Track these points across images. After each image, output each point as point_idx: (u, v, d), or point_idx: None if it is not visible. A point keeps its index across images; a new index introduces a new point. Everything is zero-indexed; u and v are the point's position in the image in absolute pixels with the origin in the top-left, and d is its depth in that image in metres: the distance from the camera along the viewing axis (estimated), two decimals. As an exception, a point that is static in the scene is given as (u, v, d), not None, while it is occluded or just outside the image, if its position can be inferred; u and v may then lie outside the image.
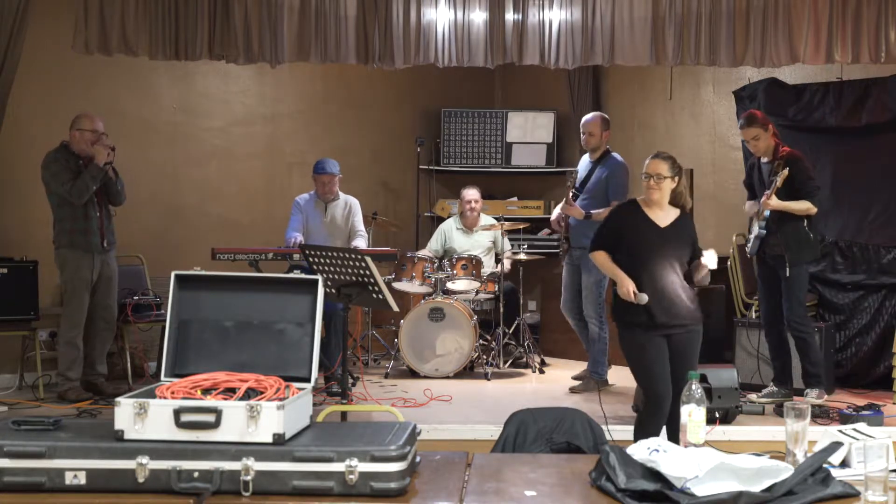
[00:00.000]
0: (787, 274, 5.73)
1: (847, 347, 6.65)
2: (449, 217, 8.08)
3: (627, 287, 4.48)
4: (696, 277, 4.68)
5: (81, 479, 2.33)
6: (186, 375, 2.62)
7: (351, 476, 2.30)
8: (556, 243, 6.94)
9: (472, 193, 7.69)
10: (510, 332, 7.39)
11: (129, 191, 6.25)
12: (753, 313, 6.85)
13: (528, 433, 3.43)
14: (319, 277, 2.84)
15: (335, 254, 4.91)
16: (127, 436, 2.38)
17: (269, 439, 2.37)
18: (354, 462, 2.31)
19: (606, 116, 6.64)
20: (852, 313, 6.67)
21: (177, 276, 2.81)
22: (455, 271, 7.10)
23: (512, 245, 7.61)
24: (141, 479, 2.31)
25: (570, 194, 6.43)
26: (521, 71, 7.69)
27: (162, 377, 2.76)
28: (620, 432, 4.78)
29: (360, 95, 8.51)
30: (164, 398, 2.45)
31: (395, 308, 4.99)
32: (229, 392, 2.51)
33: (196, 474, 2.31)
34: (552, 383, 6.86)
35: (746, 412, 5.58)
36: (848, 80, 6.81)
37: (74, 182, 5.89)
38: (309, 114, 8.32)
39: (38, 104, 6.72)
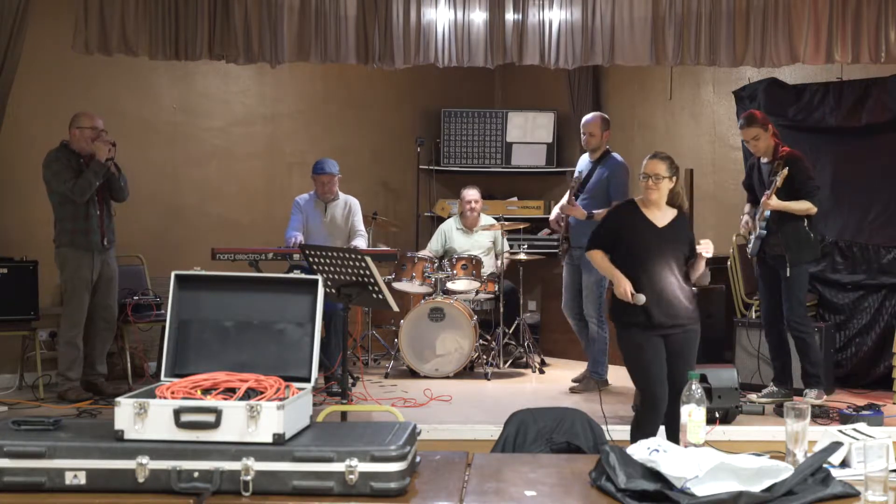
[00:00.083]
0: (788, 274, 5.73)
1: (847, 347, 6.65)
2: (449, 217, 8.08)
3: (625, 287, 4.48)
4: (694, 275, 4.68)
5: (81, 479, 2.33)
6: (186, 375, 2.62)
7: (351, 476, 2.30)
8: (555, 243, 6.94)
9: (472, 193, 7.69)
10: (510, 332, 7.38)
11: (130, 191, 6.24)
12: (753, 313, 6.85)
13: (528, 433, 3.43)
14: (319, 277, 2.84)
15: (335, 254, 4.91)
16: (127, 436, 2.38)
17: (269, 439, 2.37)
18: (354, 462, 2.31)
19: (606, 116, 6.64)
20: (852, 313, 6.66)
21: (177, 276, 2.81)
22: (455, 271, 7.10)
23: (510, 245, 7.61)
24: (141, 479, 2.31)
25: (572, 194, 6.43)
26: (521, 71, 7.69)
27: (162, 377, 2.76)
28: (620, 432, 4.78)
29: (360, 95, 8.51)
30: (164, 398, 2.45)
31: (395, 308, 4.99)
32: (229, 392, 2.51)
33: (196, 474, 2.31)
34: (552, 383, 6.86)
35: (746, 412, 5.58)
36: (848, 80, 6.81)
37: (77, 180, 5.89)
38: (309, 114, 8.32)
39: (38, 104, 6.72)
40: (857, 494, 2.35)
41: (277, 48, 6.20)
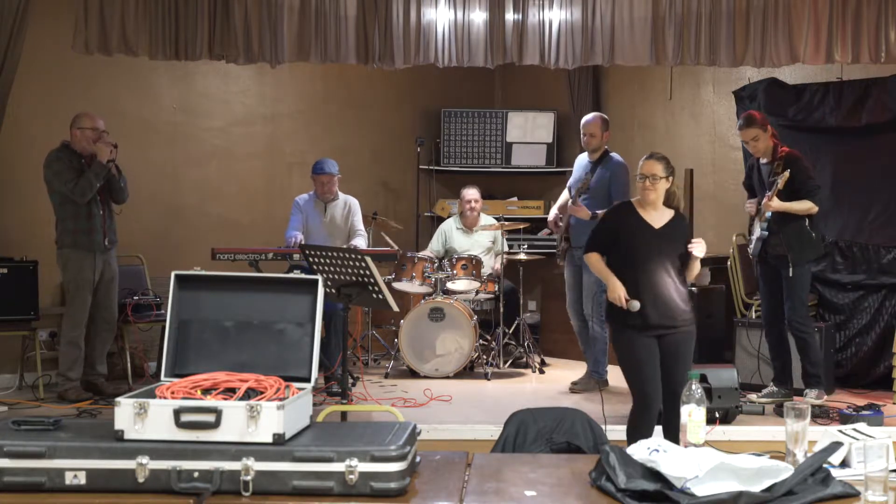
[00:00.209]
0: (791, 274, 5.73)
1: (847, 347, 6.65)
2: (449, 217, 8.08)
3: (619, 293, 4.49)
4: (690, 276, 4.67)
5: (81, 479, 2.33)
6: (186, 375, 2.62)
7: (351, 476, 2.30)
8: (555, 243, 6.93)
9: (471, 193, 7.69)
10: (510, 332, 7.38)
11: (130, 191, 6.24)
12: (753, 313, 6.85)
13: (528, 433, 3.43)
14: (319, 277, 2.84)
15: (335, 254, 4.91)
16: (127, 436, 2.38)
17: (269, 439, 2.37)
18: (354, 462, 2.31)
19: (606, 117, 6.63)
20: (852, 313, 6.66)
21: (177, 276, 2.81)
22: (455, 271, 7.10)
23: (510, 245, 7.61)
24: (141, 479, 2.32)
25: (572, 195, 6.42)
26: (521, 71, 7.69)
27: (162, 377, 2.76)
28: (620, 432, 4.77)
29: (360, 95, 8.51)
30: (164, 398, 2.45)
31: (395, 308, 4.99)
32: (229, 392, 2.51)
33: (196, 474, 2.31)
34: (552, 383, 6.86)
35: (746, 412, 5.58)
36: (848, 80, 6.81)
37: (78, 180, 5.89)
38: (309, 114, 8.32)
39: (38, 104, 6.72)
40: (857, 494, 2.35)
41: (277, 48, 6.20)
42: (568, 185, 6.76)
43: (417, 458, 2.52)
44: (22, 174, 6.59)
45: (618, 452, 2.46)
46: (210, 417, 2.37)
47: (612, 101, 8.47)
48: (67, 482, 2.33)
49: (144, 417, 2.39)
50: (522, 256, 7.37)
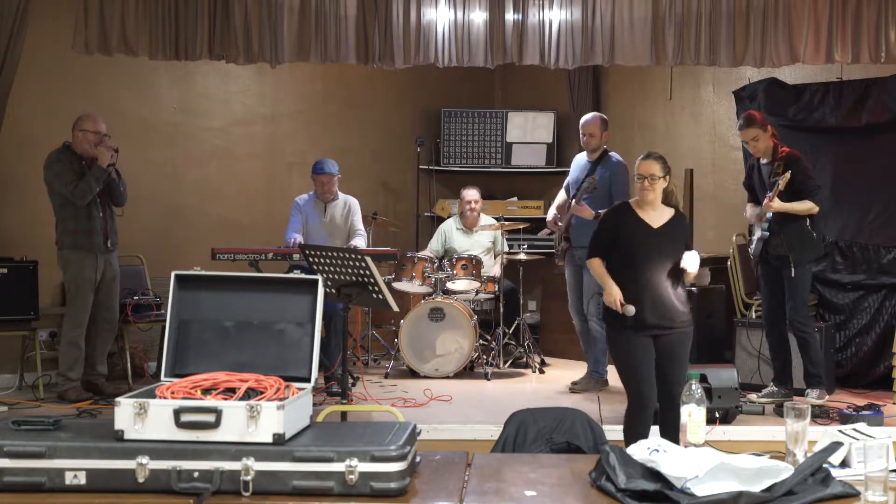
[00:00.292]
0: (792, 274, 5.72)
1: (847, 347, 6.65)
2: (449, 217, 8.08)
3: (615, 297, 4.49)
4: (686, 280, 4.67)
5: (81, 479, 2.33)
6: (186, 375, 2.62)
7: (351, 476, 2.30)
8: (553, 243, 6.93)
9: (471, 193, 7.69)
10: (510, 332, 7.38)
11: (130, 191, 6.25)
12: (753, 313, 6.85)
13: (528, 433, 3.43)
14: (319, 277, 2.84)
15: (335, 254, 4.91)
16: (127, 436, 2.39)
17: (269, 439, 2.37)
18: (354, 462, 2.31)
19: (605, 117, 6.64)
20: (852, 313, 6.66)
21: (177, 276, 2.81)
22: (455, 271, 7.10)
23: (510, 245, 7.61)
24: (141, 479, 2.32)
25: (574, 195, 6.40)
26: (521, 71, 7.69)
27: (162, 377, 2.76)
28: (619, 432, 4.78)
29: (360, 95, 8.51)
30: (164, 398, 2.45)
31: (395, 308, 4.99)
32: (229, 392, 2.51)
33: (196, 474, 2.31)
34: (552, 383, 6.86)
35: (746, 412, 5.58)
36: (848, 80, 6.81)
37: (77, 183, 5.89)
38: (309, 114, 8.32)
39: (38, 104, 6.72)
40: (857, 494, 2.35)
41: (277, 48, 6.20)
42: (565, 184, 6.76)
43: (417, 458, 2.52)
44: (22, 174, 6.59)
45: (618, 452, 2.46)
46: (210, 417, 2.37)
47: (612, 101, 8.47)
48: (67, 482, 2.33)
49: (144, 417, 2.39)
50: (522, 256, 7.37)
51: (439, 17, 6.34)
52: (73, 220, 5.97)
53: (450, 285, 7.13)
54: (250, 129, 8.03)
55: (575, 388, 6.49)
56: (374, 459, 2.31)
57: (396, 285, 7.08)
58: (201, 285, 2.84)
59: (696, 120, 8.04)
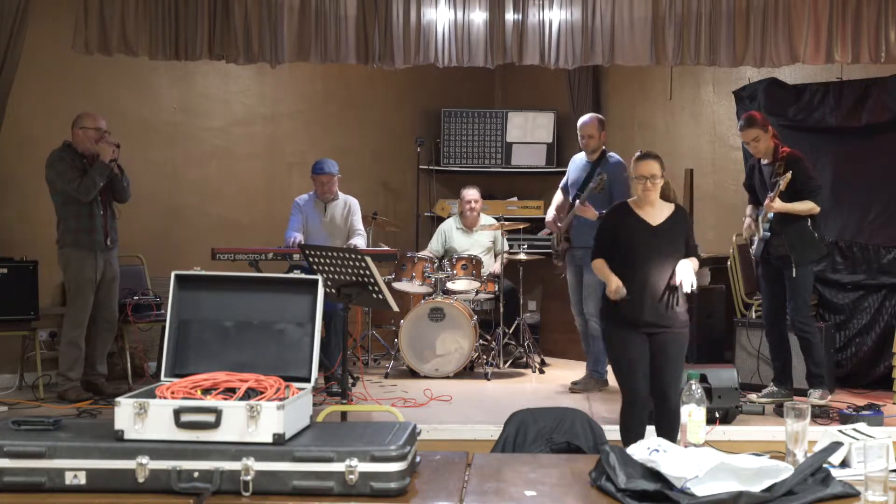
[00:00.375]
0: (794, 274, 5.72)
1: (847, 347, 6.65)
2: (449, 217, 8.08)
3: (616, 286, 4.49)
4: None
5: (81, 479, 2.33)
6: (186, 375, 2.62)
7: (351, 476, 2.30)
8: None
9: (471, 193, 7.69)
10: (510, 332, 7.38)
11: (130, 191, 6.25)
12: (753, 313, 6.85)
13: (528, 433, 3.43)
14: (319, 277, 2.84)
15: (335, 254, 4.91)
16: (127, 436, 2.38)
17: (269, 439, 2.37)
18: (354, 462, 2.31)
19: (601, 117, 6.64)
20: (852, 313, 6.66)
21: (177, 276, 2.81)
22: (455, 271, 7.10)
23: (510, 245, 7.61)
24: (141, 479, 2.31)
25: (580, 196, 6.37)
26: (521, 71, 7.69)
27: (162, 377, 2.76)
28: (618, 432, 4.78)
29: (360, 95, 8.51)
30: (164, 398, 2.45)
31: (395, 308, 4.99)
32: (229, 392, 2.51)
33: (196, 474, 2.31)
34: (552, 383, 6.86)
35: (746, 412, 5.58)
36: (848, 80, 6.81)
37: (81, 180, 5.90)
38: (309, 114, 8.32)
39: (38, 104, 6.72)
40: (857, 494, 2.35)
41: (277, 48, 6.20)
42: (562, 185, 6.75)
43: (417, 458, 2.52)
44: (22, 174, 6.60)
45: (618, 452, 2.46)
46: (210, 417, 2.37)
47: (612, 101, 8.47)
48: (67, 482, 2.33)
49: (144, 417, 2.39)
50: (522, 256, 7.37)
51: (439, 17, 6.34)
52: (74, 218, 5.98)
53: (450, 285, 7.13)
54: (250, 129, 8.03)
55: (575, 388, 6.49)
56: (374, 459, 2.31)
57: (396, 285, 7.08)
58: (201, 285, 2.84)
59: (696, 120, 8.04)
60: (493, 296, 7.33)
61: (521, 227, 7.44)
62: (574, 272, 6.54)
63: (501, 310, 7.27)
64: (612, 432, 4.66)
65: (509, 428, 3.46)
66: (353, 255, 4.84)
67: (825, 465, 2.47)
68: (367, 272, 4.76)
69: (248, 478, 2.30)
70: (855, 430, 2.80)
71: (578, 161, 6.62)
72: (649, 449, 2.44)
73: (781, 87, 7.12)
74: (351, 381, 6.22)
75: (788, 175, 5.53)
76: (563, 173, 6.83)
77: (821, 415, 5.45)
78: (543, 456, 3.23)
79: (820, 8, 5.91)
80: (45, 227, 6.23)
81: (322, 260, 4.92)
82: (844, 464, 2.64)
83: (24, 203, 6.66)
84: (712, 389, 5.29)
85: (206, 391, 2.51)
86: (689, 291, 4.50)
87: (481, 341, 7.30)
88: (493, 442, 3.51)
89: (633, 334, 4.54)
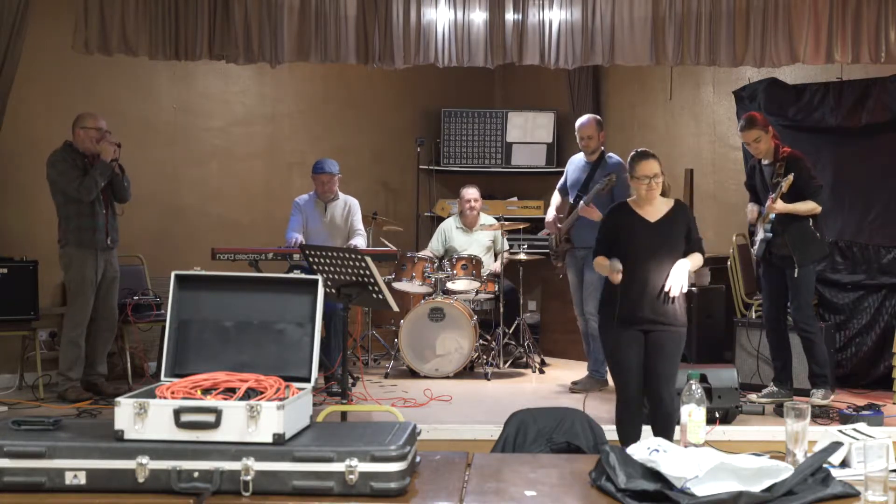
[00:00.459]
0: (797, 275, 5.72)
1: (847, 347, 6.65)
2: (449, 217, 8.08)
3: (614, 267, 4.48)
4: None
5: (81, 479, 2.33)
6: (186, 375, 2.62)
7: (351, 476, 2.30)
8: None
9: (471, 193, 7.69)
10: (510, 332, 7.38)
11: (130, 191, 6.25)
12: (753, 313, 6.85)
13: (528, 433, 3.43)
14: (319, 277, 2.84)
15: (335, 254, 4.91)
16: (127, 436, 2.39)
17: (269, 439, 2.37)
18: (354, 462, 2.31)
19: (599, 118, 6.63)
20: (852, 313, 6.66)
21: (177, 276, 2.81)
22: (455, 271, 7.10)
23: (510, 245, 7.61)
24: (141, 479, 2.32)
25: (585, 198, 6.36)
26: (521, 71, 7.69)
27: (162, 377, 2.76)
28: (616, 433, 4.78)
29: (360, 95, 8.51)
30: (164, 398, 2.45)
31: (395, 308, 4.99)
32: (229, 392, 2.51)
33: (196, 474, 2.31)
34: (552, 383, 6.86)
35: (746, 412, 5.58)
36: (848, 80, 6.81)
37: (83, 179, 5.91)
38: (309, 114, 8.32)
39: (38, 104, 6.72)
40: (857, 494, 2.35)
41: (277, 48, 6.20)
42: (559, 186, 6.74)
43: (417, 458, 2.52)
44: (22, 174, 6.60)
45: (618, 452, 2.46)
46: (210, 417, 2.37)
47: (612, 101, 8.47)
48: (67, 482, 2.33)
49: (144, 417, 2.39)
50: (522, 256, 7.37)
51: (439, 17, 6.34)
52: (76, 217, 5.98)
53: (450, 285, 7.13)
54: (250, 129, 8.03)
55: (575, 388, 6.49)
56: (374, 459, 2.31)
57: (396, 285, 7.08)
58: (201, 285, 2.84)
59: (696, 120, 8.04)
60: (493, 296, 7.33)
61: (521, 227, 7.43)
62: (576, 272, 6.53)
63: (501, 310, 7.27)
64: (612, 432, 4.66)
65: (509, 428, 3.46)
66: (353, 255, 4.84)
67: (825, 465, 2.47)
68: (367, 272, 4.76)
69: (248, 478, 2.30)
70: (855, 430, 2.80)
71: (577, 162, 6.62)
72: (649, 449, 2.44)
73: (781, 87, 7.11)
74: (351, 381, 6.22)
75: (790, 178, 5.53)
76: (563, 173, 6.83)
77: (821, 415, 5.45)
78: (543, 456, 3.23)
79: (820, 8, 5.91)
80: (46, 227, 6.23)
81: (322, 260, 4.92)
82: (844, 464, 2.64)
83: (24, 203, 6.66)
84: (712, 389, 5.29)
85: (206, 391, 2.51)
86: (674, 296, 4.50)
87: (481, 341, 7.30)
88: (493, 442, 3.51)
89: (629, 332, 4.54)
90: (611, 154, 6.52)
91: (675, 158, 7.59)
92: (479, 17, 6.35)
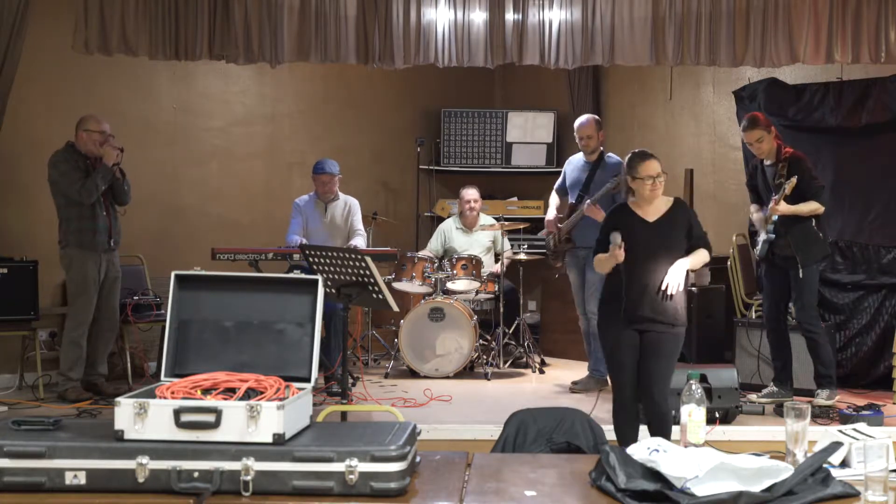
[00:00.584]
0: (801, 275, 5.71)
1: (847, 347, 6.64)
2: (449, 217, 8.08)
3: (615, 243, 4.47)
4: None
5: (81, 479, 2.33)
6: (186, 375, 2.62)
7: (351, 476, 2.30)
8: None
9: (471, 193, 7.69)
10: (510, 332, 7.38)
11: (131, 194, 6.25)
12: (753, 313, 6.85)
13: (528, 433, 3.43)
14: (319, 277, 2.84)
15: (335, 254, 4.91)
16: (127, 436, 2.39)
17: (269, 439, 2.37)
18: (354, 462, 2.31)
19: (598, 118, 6.63)
20: (852, 313, 6.66)
21: (177, 276, 2.81)
22: (455, 271, 7.10)
23: (511, 245, 7.61)
24: (141, 479, 2.32)
25: (587, 199, 6.35)
26: (521, 71, 7.69)
27: (162, 377, 2.76)
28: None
29: (360, 95, 8.51)
30: (164, 398, 2.45)
31: (395, 308, 4.99)
32: (229, 392, 2.51)
33: (196, 474, 2.31)
34: (552, 383, 6.86)
35: (746, 412, 5.58)
36: (848, 80, 6.81)
37: (84, 182, 5.91)
38: (309, 114, 8.32)
39: (38, 104, 6.72)
40: (857, 494, 2.35)
41: (277, 48, 6.20)
42: (558, 186, 6.74)
43: (417, 458, 2.52)
44: (22, 174, 6.60)
45: (618, 452, 2.46)
46: (210, 417, 2.37)
47: (612, 101, 8.47)
48: (67, 482, 2.33)
49: (144, 417, 2.39)
50: (522, 256, 7.37)
51: (439, 17, 6.34)
52: (77, 219, 5.98)
53: (450, 285, 7.13)
54: (250, 129, 8.03)
55: (575, 388, 6.49)
56: (374, 459, 2.31)
57: (396, 285, 7.08)
58: (201, 285, 2.84)
59: (696, 120, 8.04)
60: (493, 296, 7.33)
61: (521, 227, 7.43)
62: (577, 272, 6.53)
63: (501, 310, 7.27)
64: (612, 432, 4.66)
65: (509, 428, 3.46)
66: (353, 255, 4.84)
67: (825, 465, 2.47)
68: (367, 272, 4.76)
69: (248, 478, 2.30)
70: (855, 430, 2.80)
71: (576, 162, 6.62)
72: (649, 449, 2.44)
73: (781, 87, 7.11)
74: (351, 381, 6.22)
75: (794, 180, 5.53)
76: (561, 174, 6.82)
77: (821, 415, 5.45)
78: (543, 456, 3.23)
79: (820, 8, 5.91)
80: (46, 228, 6.23)
81: (322, 260, 4.92)
82: (844, 464, 2.64)
83: (24, 203, 6.66)
84: (712, 389, 5.29)
85: (206, 391, 2.51)
86: (672, 293, 4.49)
87: (481, 341, 7.30)
88: (493, 442, 3.51)
89: (627, 329, 4.55)
90: (610, 154, 6.53)
91: (675, 158, 7.59)
92: (479, 17, 6.35)
